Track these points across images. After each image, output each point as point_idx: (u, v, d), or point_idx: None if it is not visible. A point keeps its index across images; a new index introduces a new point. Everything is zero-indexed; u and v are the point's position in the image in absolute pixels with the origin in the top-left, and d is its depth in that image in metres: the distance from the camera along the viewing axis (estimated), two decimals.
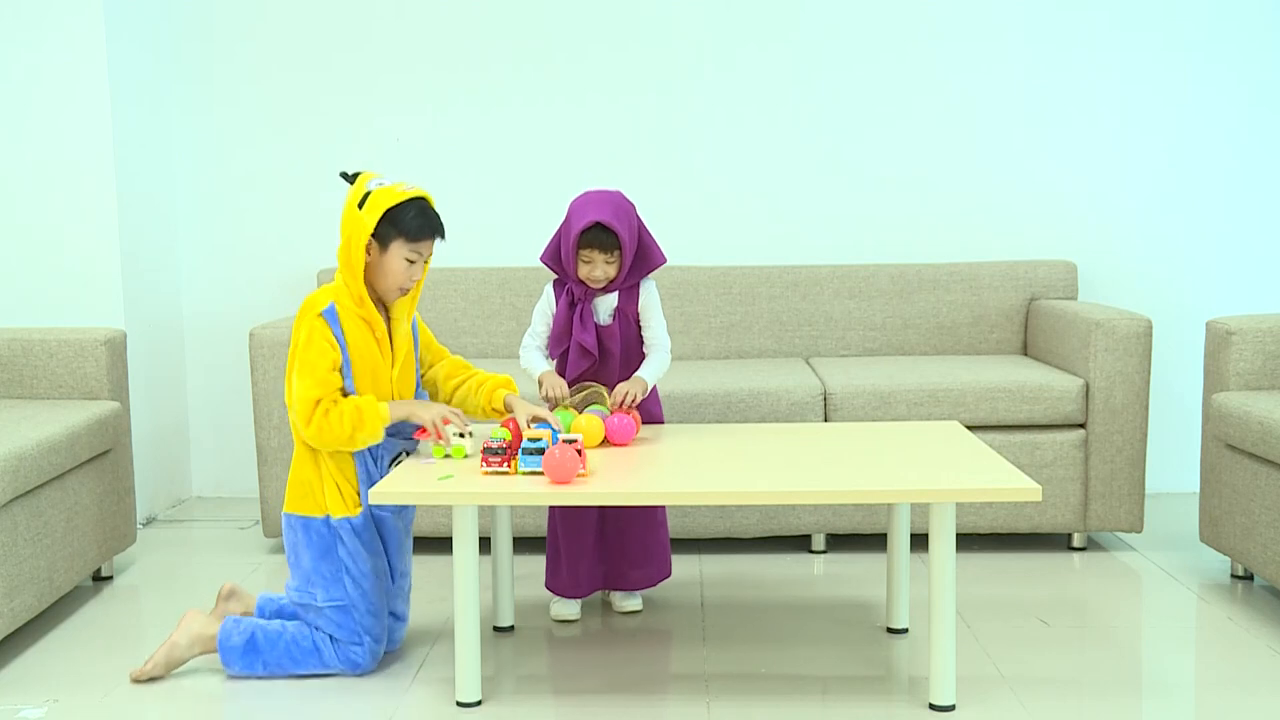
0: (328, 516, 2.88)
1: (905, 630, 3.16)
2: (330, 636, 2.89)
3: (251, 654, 2.87)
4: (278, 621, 2.93)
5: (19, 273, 4.11)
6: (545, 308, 3.22)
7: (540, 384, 3.13)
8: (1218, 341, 3.57)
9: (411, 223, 2.87)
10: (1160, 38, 4.44)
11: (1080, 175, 4.50)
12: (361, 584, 2.88)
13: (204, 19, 4.47)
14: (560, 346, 3.21)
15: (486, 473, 2.73)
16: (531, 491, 2.66)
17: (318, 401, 2.80)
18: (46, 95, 4.05)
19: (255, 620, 2.92)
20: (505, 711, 2.74)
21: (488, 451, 2.72)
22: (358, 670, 2.89)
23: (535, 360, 3.20)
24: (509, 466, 2.72)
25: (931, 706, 2.70)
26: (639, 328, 3.20)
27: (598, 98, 4.49)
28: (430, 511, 3.79)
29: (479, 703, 2.75)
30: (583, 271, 3.10)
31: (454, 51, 4.49)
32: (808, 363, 4.22)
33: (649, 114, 4.49)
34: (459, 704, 2.74)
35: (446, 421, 2.87)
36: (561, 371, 3.21)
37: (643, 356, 3.22)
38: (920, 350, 4.37)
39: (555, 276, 3.23)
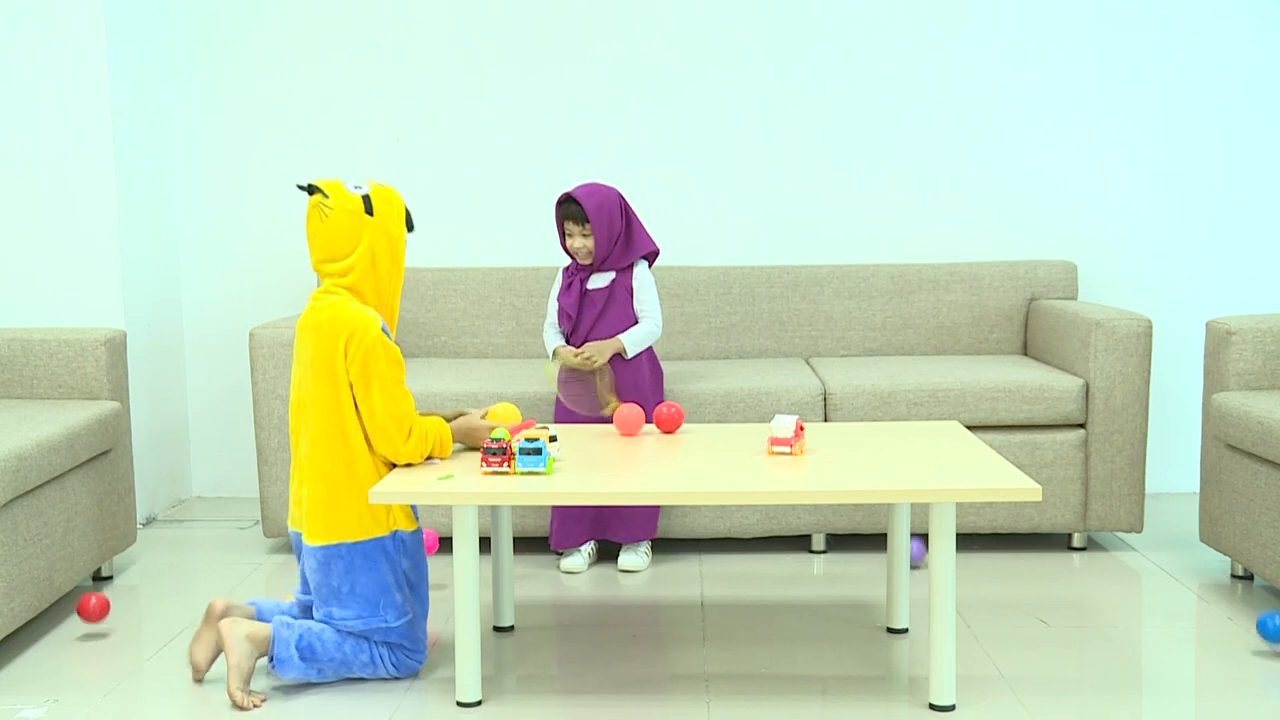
0: (397, 532, 2.81)
1: (905, 630, 3.16)
2: (390, 647, 2.85)
3: (308, 661, 2.80)
4: (328, 629, 2.82)
5: (19, 273, 4.11)
6: (553, 290, 3.74)
7: (555, 355, 3.67)
8: (1218, 341, 3.57)
9: (410, 218, 2.88)
10: (1160, 38, 4.44)
11: (1080, 175, 4.50)
12: (420, 591, 2.89)
13: (204, 19, 4.47)
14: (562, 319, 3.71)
15: (486, 473, 2.73)
16: (531, 491, 2.66)
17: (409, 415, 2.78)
18: (46, 95, 4.05)
19: (304, 625, 2.82)
20: (505, 711, 2.74)
21: (487, 452, 2.72)
22: (410, 674, 2.89)
23: (550, 338, 3.73)
24: (509, 466, 2.72)
25: (931, 706, 2.70)
26: (629, 301, 3.66)
27: (598, 98, 4.49)
28: (430, 511, 3.79)
29: (479, 703, 2.75)
30: (567, 244, 3.65)
31: (454, 52, 4.49)
32: (808, 363, 4.22)
33: (650, 114, 4.49)
34: (459, 704, 2.74)
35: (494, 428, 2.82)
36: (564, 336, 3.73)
37: (629, 326, 3.66)
38: (920, 350, 4.37)
39: (568, 263, 3.72)
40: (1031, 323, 4.31)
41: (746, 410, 3.77)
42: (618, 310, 3.65)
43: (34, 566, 3.11)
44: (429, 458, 2.85)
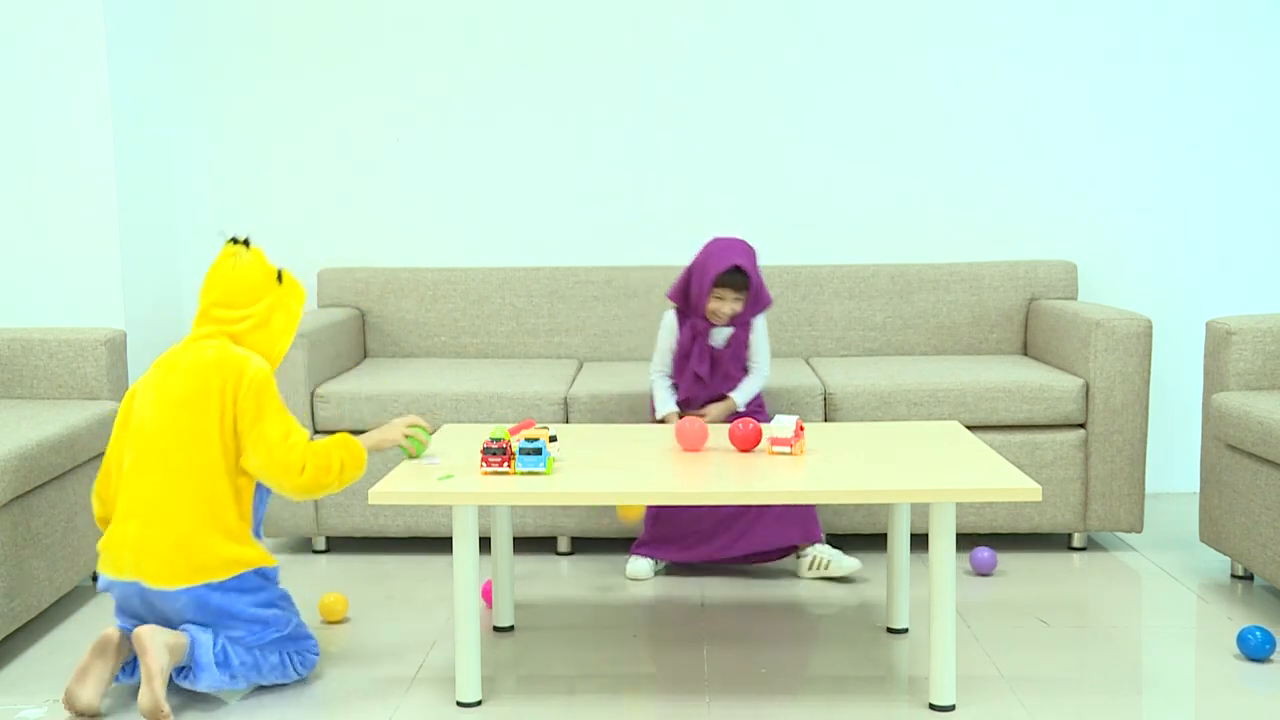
0: (260, 568, 2.77)
1: (905, 630, 3.16)
2: (292, 648, 2.85)
3: (223, 667, 2.73)
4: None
5: (19, 273, 4.11)
6: (668, 337, 3.59)
7: (665, 420, 3.52)
8: (1218, 341, 3.57)
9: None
10: (1159, 38, 4.44)
11: (1080, 175, 4.50)
12: (290, 600, 2.88)
13: (204, 20, 4.47)
14: (680, 371, 3.57)
15: (486, 473, 2.73)
16: (531, 491, 2.66)
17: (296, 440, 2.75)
18: (46, 96, 4.05)
19: (214, 632, 2.77)
20: (505, 711, 2.74)
21: (487, 452, 2.73)
22: (313, 669, 2.90)
23: (664, 399, 3.57)
24: (508, 466, 2.72)
25: (931, 706, 2.70)
26: (745, 353, 3.58)
27: (599, 99, 4.48)
28: (430, 511, 3.79)
29: (479, 703, 2.75)
30: (711, 306, 3.48)
31: (454, 52, 4.48)
32: (808, 363, 4.22)
33: (649, 114, 4.49)
34: (459, 704, 2.74)
35: (412, 425, 2.91)
36: (678, 390, 3.58)
37: (740, 376, 3.58)
38: (920, 350, 4.37)
39: (674, 308, 3.59)
40: (1031, 323, 4.31)
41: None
42: (733, 363, 3.58)
43: (34, 566, 3.11)
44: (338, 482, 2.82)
